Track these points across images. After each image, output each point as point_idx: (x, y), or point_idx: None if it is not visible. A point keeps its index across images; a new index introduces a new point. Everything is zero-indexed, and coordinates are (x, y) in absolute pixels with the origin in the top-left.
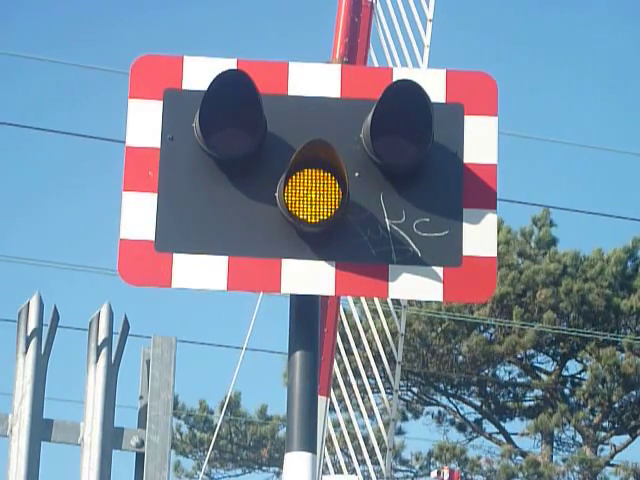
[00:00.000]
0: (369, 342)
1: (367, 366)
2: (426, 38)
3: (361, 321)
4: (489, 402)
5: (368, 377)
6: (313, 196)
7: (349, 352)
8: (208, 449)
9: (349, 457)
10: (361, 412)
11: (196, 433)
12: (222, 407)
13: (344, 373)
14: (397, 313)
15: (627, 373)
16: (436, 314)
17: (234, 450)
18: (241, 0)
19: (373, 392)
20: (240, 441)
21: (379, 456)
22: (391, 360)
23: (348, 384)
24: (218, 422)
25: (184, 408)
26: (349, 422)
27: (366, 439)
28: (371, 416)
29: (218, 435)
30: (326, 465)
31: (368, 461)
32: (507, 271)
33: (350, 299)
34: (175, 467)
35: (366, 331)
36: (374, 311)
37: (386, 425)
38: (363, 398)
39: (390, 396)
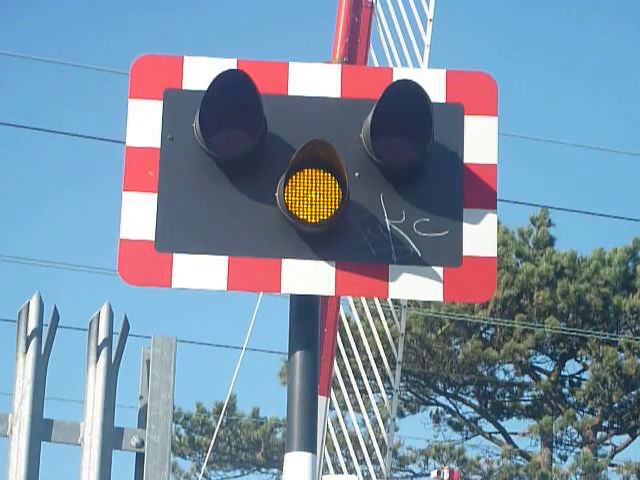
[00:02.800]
0: (369, 342)
1: (367, 366)
2: (426, 38)
3: (362, 320)
4: (487, 402)
5: (368, 378)
6: (313, 196)
7: (349, 352)
8: (206, 452)
9: (349, 457)
10: (361, 412)
11: (194, 436)
12: (218, 410)
13: (344, 373)
14: (397, 314)
15: (628, 374)
16: (436, 314)
17: (232, 452)
18: (241, 0)
19: (373, 392)
20: (238, 443)
21: (379, 456)
22: (391, 360)
23: (348, 384)
24: (217, 424)
25: (181, 411)
26: (348, 421)
27: (366, 439)
28: (371, 416)
29: (217, 437)
30: (326, 465)
31: (368, 461)
32: (504, 272)
33: (350, 299)
34: (173, 468)
35: (367, 332)
36: (374, 311)
37: (385, 424)
38: (363, 398)
39: (390, 396)
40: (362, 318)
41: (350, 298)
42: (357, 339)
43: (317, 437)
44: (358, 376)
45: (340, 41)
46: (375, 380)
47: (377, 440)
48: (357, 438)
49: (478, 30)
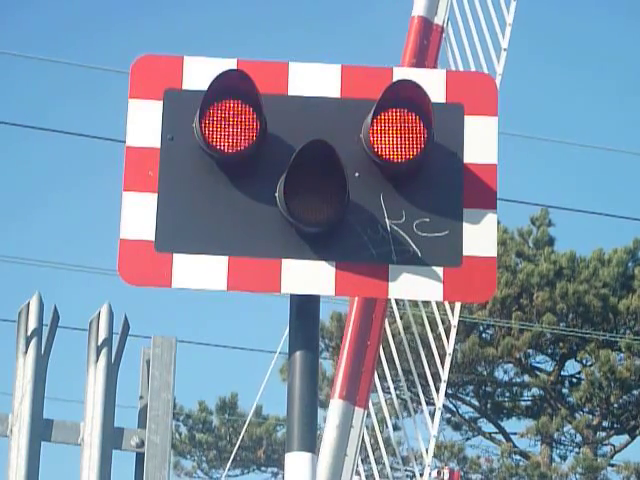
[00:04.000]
0: (412, 357)
1: (409, 380)
2: (499, 67)
3: (406, 337)
4: (487, 402)
5: (411, 394)
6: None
7: (391, 366)
8: (207, 450)
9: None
10: (402, 426)
11: (195, 434)
12: (222, 408)
13: (383, 385)
14: (446, 332)
15: (623, 376)
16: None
17: (232, 450)
18: (242, 0)
19: (414, 406)
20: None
21: (416, 472)
22: (436, 377)
23: (389, 401)
24: (246, 422)
25: (182, 409)
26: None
27: (402, 450)
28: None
29: (217, 436)
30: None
31: (402, 469)
32: (504, 272)
33: (397, 314)
34: (175, 465)
35: (411, 348)
36: (421, 325)
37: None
38: (405, 413)
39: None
40: (406, 330)
41: (396, 311)
42: (401, 352)
43: (350, 447)
44: (400, 389)
45: (407, 61)
46: (418, 394)
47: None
48: (395, 451)
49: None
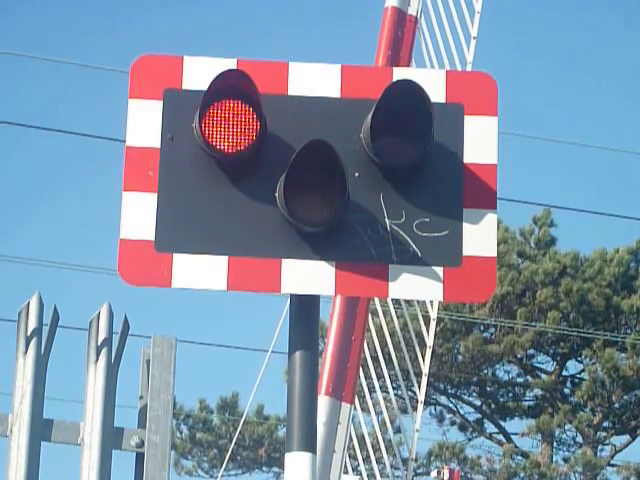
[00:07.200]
0: (395, 351)
1: (392, 375)
2: (469, 55)
3: (389, 331)
4: (489, 402)
5: (393, 388)
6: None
7: (375, 360)
8: (208, 449)
9: (370, 464)
10: (384, 420)
11: (195, 434)
12: (222, 408)
13: (368, 382)
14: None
15: (626, 375)
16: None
17: (234, 450)
18: (243, 0)
19: (396, 398)
20: (239, 441)
21: (400, 465)
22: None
23: (372, 390)
24: (243, 420)
25: (183, 409)
26: (371, 429)
27: (387, 447)
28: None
29: (218, 435)
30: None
31: (389, 469)
32: (507, 271)
33: (379, 309)
34: (175, 463)
35: (394, 342)
36: (402, 320)
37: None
38: (386, 406)
39: (395, 397)
40: (388, 325)
41: (378, 306)
42: (383, 346)
43: (338, 443)
44: (383, 385)
45: (382, 54)
46: (400, 389)
47: (397, 447)
48: (379, 446)
49: (487, 27)
